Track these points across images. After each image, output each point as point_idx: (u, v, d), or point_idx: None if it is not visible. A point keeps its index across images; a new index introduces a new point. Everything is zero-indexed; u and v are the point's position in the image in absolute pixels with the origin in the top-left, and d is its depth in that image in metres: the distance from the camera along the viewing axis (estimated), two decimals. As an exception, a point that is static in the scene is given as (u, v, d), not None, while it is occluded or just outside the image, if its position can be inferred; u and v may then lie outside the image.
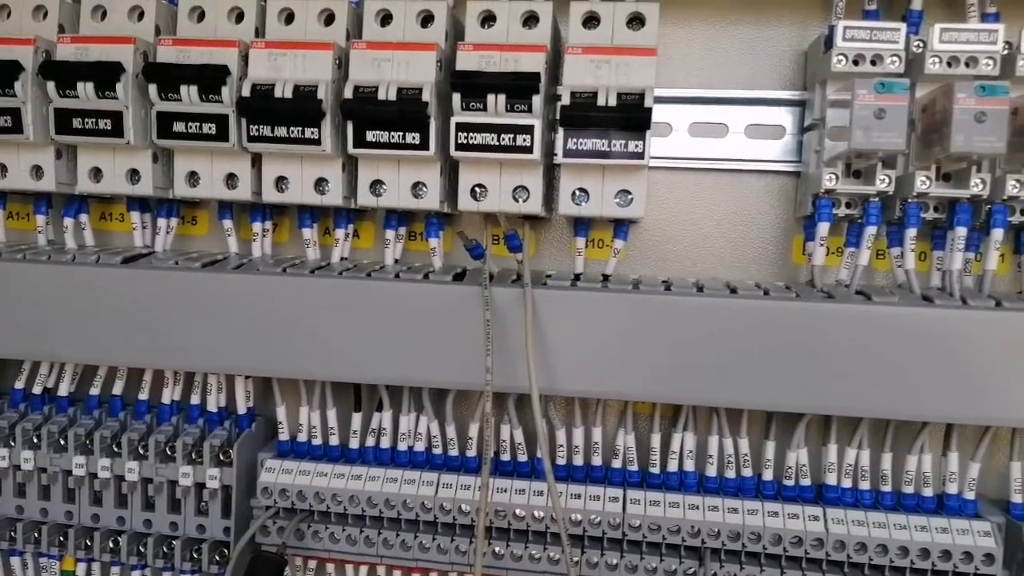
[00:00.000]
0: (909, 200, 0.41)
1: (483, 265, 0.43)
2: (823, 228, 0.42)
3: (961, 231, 0.41)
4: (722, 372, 0.40)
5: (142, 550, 0.47)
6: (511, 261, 0.47)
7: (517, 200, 0.42)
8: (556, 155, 0.40)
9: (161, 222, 0.48)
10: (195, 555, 0.47)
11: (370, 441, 0.47)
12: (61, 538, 0.48)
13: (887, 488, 0.43)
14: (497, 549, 0.44)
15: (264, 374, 0.44)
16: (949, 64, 0.39)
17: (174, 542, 0.47)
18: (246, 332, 0.43)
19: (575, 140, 0.40)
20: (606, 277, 0.45)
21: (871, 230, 0.42)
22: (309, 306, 0.43)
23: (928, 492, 0.42)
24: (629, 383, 0.41)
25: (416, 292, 0.42)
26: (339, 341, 0.43)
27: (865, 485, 0.43)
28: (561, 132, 0.40)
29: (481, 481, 0.41)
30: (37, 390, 0.49)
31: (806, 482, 0.43)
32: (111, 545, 0.48)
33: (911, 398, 0.38)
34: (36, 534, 0.48)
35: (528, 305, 0.40)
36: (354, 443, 0.47)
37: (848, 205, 0.43)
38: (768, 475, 0.44)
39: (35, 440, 0.47)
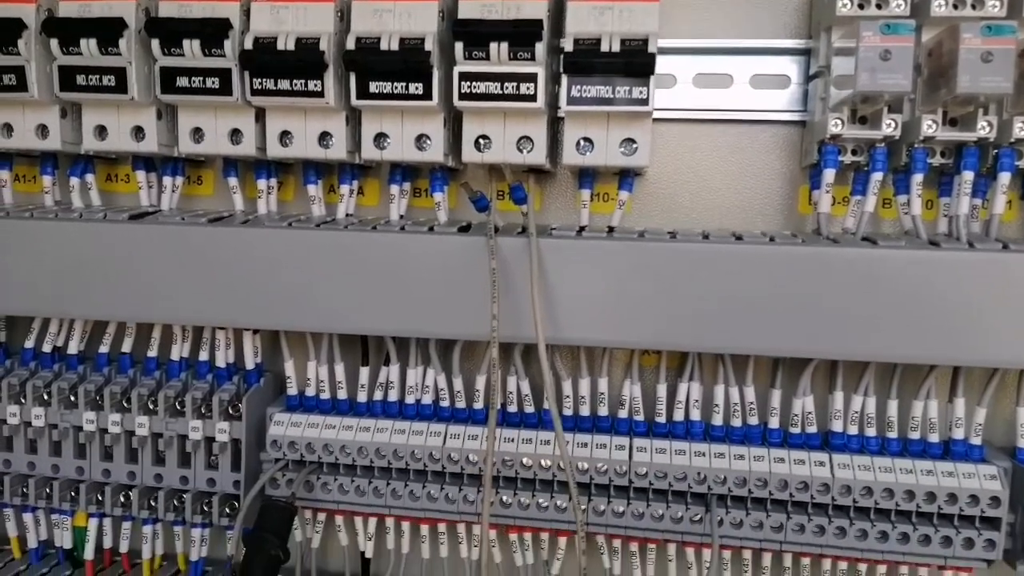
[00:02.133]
0: (915, 145, 0.41)
1: (488, 217, 0.43)
2: (829, 175, 0.42)
3: (968, 175, 0.41)
4: (728, 319, 0.40)
5: (153, 504, 0.48)
6: (516, 216, 0.47)
7: (521, 151, 0.42)
8: (560, 106, 0.40)
9: (167, 181, 0.48)
10: (205, 508, 0.47)
11: (378, 395, 0.47)
12: (72, 493, 0.49)
13: (893, 435, 0.43)
14: (504, 498, 0.44)
15: (271, 327, 0.45)
16: (955, 6, 0.39)
17: (185, 495, 0.47)
18: (253, 286, 0.43)
19: (579, 87, 0.40)
20: (611, 229, 0.45)
21: (877, 176, 0.41)
22: (315, 259, 0.43)
23: (934, 438, 0.42)
24: (635, 331, 0.41)
25: (422, 244, 0.42)
26: (346, 294, 0.43)
27: (871, 432, 0.43)
28: (565, 80, 0.40)
29: (488, 427, 0.41)
30: (47, 348, 0.49)
31: (812, 429, 0.43)
32: (122, 499, 0.48)
33: (918, 342, 0.38)
34: (48, 490, 0.49)
35: (533, 254, 0.40)
36: (362, 397, 0.47)
37: (854, 152, 0.43)
38: (774, 423, 0.44)
39: (46, 397, 0.48)
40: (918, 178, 0.41)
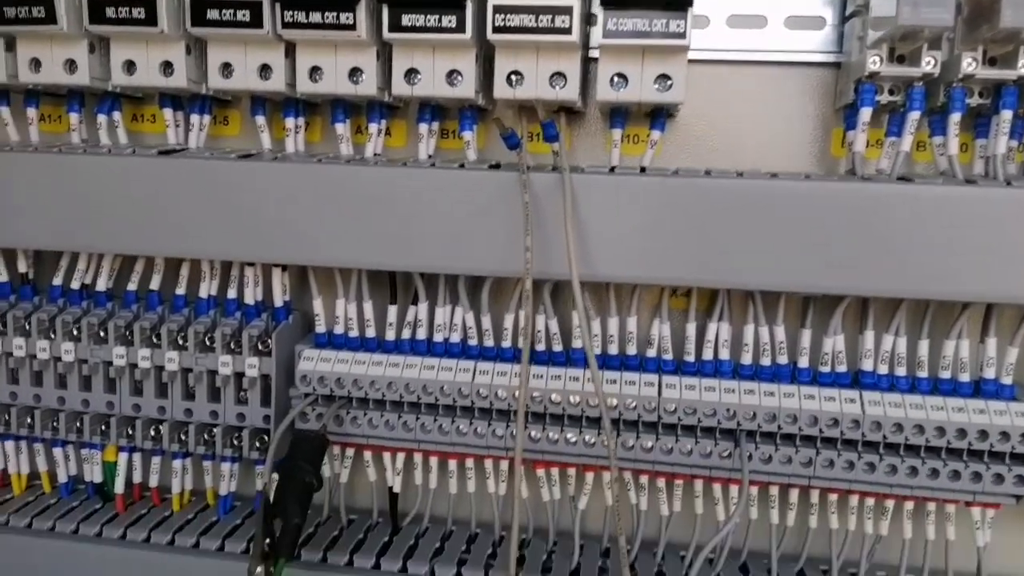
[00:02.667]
0: (954, 84, 0.41)
1: (519, 155, 0.43)
2: (865, 113, 0.41)
3: (1007, 114, 0.40)
4: (761, 256, 0.39)
5: (183, 438, 0.48)
6: (546, 159, 0.47)
7: (554, 87, 0.42)
8: (595, 41, 0.40)
9: (194, 119, 0.48)
10: (235, 442, 0.48)
11: (406, 334, 0.47)
12: (103, 427, 0.49)
13: (924, 374, 0.43)
14: (533, 433, 0.45)
15: (300, 263, 0.45)
16: (1000, -63, 0.38)
17: (215, 430, 0.48)
18: (282, 222, 0.43)
19: (615, 21, 0.39)
20: (643, 169, 0.44)
21: (914, 115, 0.41)
22: (345, 195, 0.43)
23: (965, 378, 0.42)
24: (667, 268, 0.41)
25: (452, 179, 0.42)
26: (375, 230, 0.43)
27: (901, 372, 0.43)
28: (602, 13, 0.39)
29: (523, 359, 0.41)
30: (75, 285, 0.49)
31: (842, 369, 0.43)
32: (152, 433, 0.48)
33: (952, 278, 0.38)
34: (78, 424, 0.49)
35: (567, 187, 0.40)
36: (390, 335, 0.47)
37: (891, 91, 0.42)
38: (803, 363, 0.44)
39: (75, 332, 0.48)
40: (955, 117, 0.41)
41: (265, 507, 0.41)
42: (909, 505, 0.44)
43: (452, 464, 0.48)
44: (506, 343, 0.46)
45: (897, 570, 0.46)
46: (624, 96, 0.41)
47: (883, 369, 0.43)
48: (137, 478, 0.52)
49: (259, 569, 0.39)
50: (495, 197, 0.41)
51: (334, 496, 0.51)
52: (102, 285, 0.49)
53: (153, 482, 0.52)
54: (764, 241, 0.39)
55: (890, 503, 0.44)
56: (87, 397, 0.49)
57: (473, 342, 0.46)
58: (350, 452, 0.49)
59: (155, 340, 0.47)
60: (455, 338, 0.47)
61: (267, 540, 0.40)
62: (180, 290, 0.49)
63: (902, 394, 0.42)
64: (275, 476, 0.42)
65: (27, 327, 0.48)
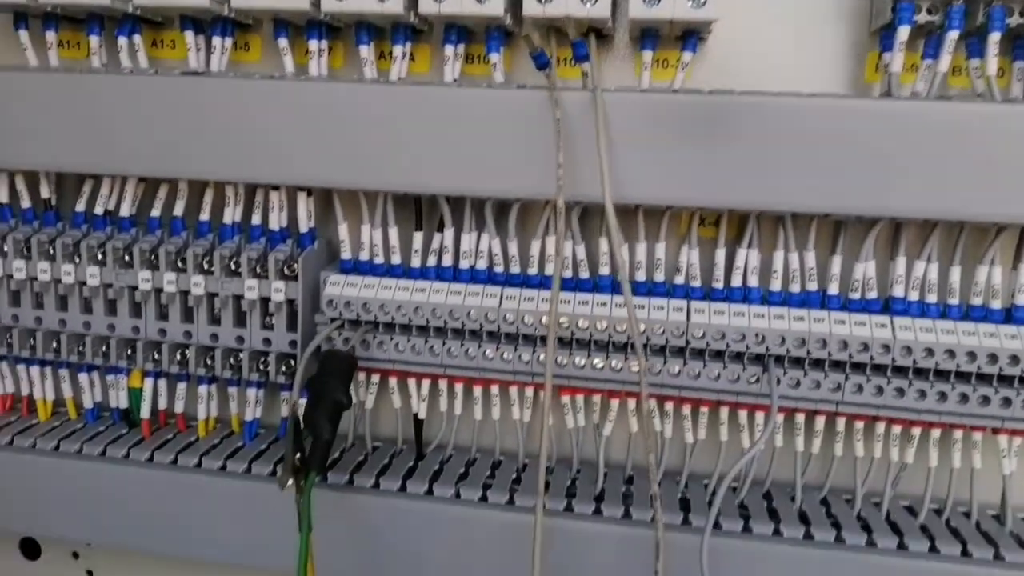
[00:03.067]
0: (994, 3, 0.40)
1: (548, 75, 0.42)
2: (903, 32, 0.40)
3: (1049, 33, 0.39)
4: (796, 177, 0.39)
5: (209, 362, 0.48)
6: (575, 85, 0.46)
7: (585, 3, 0.41)
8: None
9: (215, 42, 0.47)
10: (261, 366, 0.48)
11: (431, 261, 0.47)
12: (129, 351, 0.49)
13: (954, 301, 0.42)
14: (560, 359, 0.44)
15: (325, 184, 0.44)
16: None
17: (240, 354, 0.48)
18: (306, 143, 0.43)
19: (650, -67, 0.38)
20: (675, 92, 0.44)
21: (953, 35, 0.40)
22: (370, 115, 0.42)
23: (996, 304, 0.42)
24: (698, 190, 0.40)
25: (480, 98, 0.42)
26: (401, 151, 0.42)
27: (932, 298, 0.43)
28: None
29: (553, 277, 0.41)
30: (98, 211, 0.49)
31: (872, 295, 0.43)
32: (179, 358, 0.49)
33: (989, 200, 0.38)
34: (104, 348, 0.49)
35: (599, 106, 0.39)
36: (415, 262, 0.47)
37: (929, 11, 0.41)
38: (833, 289, 0.43)
39: (100, 257, 0.48)
40: (995, 37, 0.40)
41: (295, 423, 0.41)
42: (936, 433, 0.44)
43: (477, 391, 0.48)
44: (532, 270, 0.46)
45: (921, 500, 0.46)
46: (657, 13, 0.40)
47: (914, 296, 0.43)
48: (162, 404, 0.52)
49: (290, 482, 0.40)
50: (524, 117, 0.41)
51: (359, 424, 0.51)
52: (126, 211, 0.49)
53: (179, 408, 0.52)
54: (799, 162, 0.39)
55: (916, 431, 0.44)
56: (113, 322, 0.49)
57: (499, 269, 0.46)
58: (375, 379, 0.49)
59: (180, 264, 0.47)
60: (481, 265, 0.46)
61: (297, 455, 0.40)
62: (204, 216, 0.49)
63: (933, 320, 0.42)
64: (302, 401, 0.42)
65: (51, 251, 0.48)
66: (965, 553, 0.43)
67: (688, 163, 0.40)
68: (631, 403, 0.47)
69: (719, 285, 0.45)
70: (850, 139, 0.38)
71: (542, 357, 0.45)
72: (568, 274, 0.46)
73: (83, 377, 0.52)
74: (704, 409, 0.46)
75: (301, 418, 0.41)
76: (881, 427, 0.45)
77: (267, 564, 0.49)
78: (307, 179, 0.44)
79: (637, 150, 0.40)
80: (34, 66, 0.49)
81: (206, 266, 0.47)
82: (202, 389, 0.51)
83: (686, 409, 0.46)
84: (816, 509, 0.46)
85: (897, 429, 0.44)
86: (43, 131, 0.46)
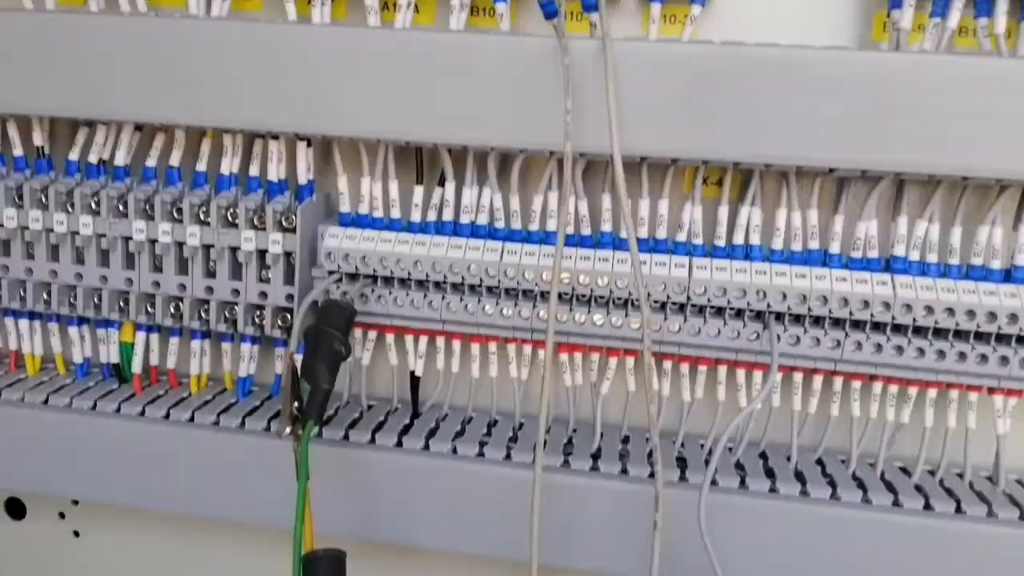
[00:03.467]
0: (1003, -39, 0.40)
1: (555, 24, 0.42)
2: (912, -12, 0.40)
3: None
4: (802, 130, 0.39)
5: (204, 316, 0.48)
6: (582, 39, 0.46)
7: (594, -48, 0.40)
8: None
9: (216, -12, 0.47)
10: (257, 320, 0.47)
11: (431, 216, 0.47)
12: (121, 304, 0.48)
13: (955, 261, 0.43)
14: (560, 315, 0.44)
15: (325, 132, 0.43)
16: None
17: (236, 308, 0.47)
18: (307, 89, 0.42)
19: None
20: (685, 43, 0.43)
21: (962, -10, 0.40)
22: (372, 62, 0.42)
23: (996, 265, 0.42)
24: (705, 142, 0.40)
25: (487, 45, 0.41)
26: (403, 100, 0.42)
27: (933, 258, 0.43)
28: None
29: (558, 222, 0.40)
30: (93, 159, 0.48)
31: (874, 254, 0.43)
32: (172, 311, 0.48)
33: (991, 155, 0.38)
34: (96, 300, 0.48)
35: (608, 54, 0.39)
36: (416, 216, 0.47)
37: (938, -31, 0.41)
38: (835, 248, 0.44)
39: (94, 206, 0.47)
40: (1005, -7, 0.40)
41: (293, 372, 0.40)
42: (932, 393, 0.44)
43: (475, 348, 0.48)
44: (534, 226, 0.46)
45: (915, 462, 0.46)
46: (666, -34, 0.40)
47: (915, 256, 0.43)
48: (154, 360, 0.51)
49: (287, 430, 0.39)
50: (531, 65, 0.40)
51: (354, 382, 0.51)
52: (120, 160, 0.48)
53: (171, 364, 0.51)
54: (807, 115, 0.39)
55: (913, 390, 0.44)
56: (105, 273, 0.48)
57: (500, 224, 0.46)
58: (372, 335, 0.49)
59: (176, 215, 0.46)
60: (482, 220, 0.46)
61: (295, 404, 0.40)
62: (201, 166, 0.48)
63: (934, 279, 0.42)
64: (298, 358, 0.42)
65: (44, 200, 0.47)
66: (959, 511, 0.43)
67: (696, 115, 0.39)
68: (629, 361, 0.47)
69: (721, 243, 0.45)
70: (858, 92, 0.38)
71: (542, 313, 0.44)
72: (570, 231, 0.45)
73: (73, 331, 0.51)
74: (703, 368, 0.46)
75: (299, 368, 0.41)
76: (878, 387, 0.45)
77: (261, 521, 0.49)
78: (306, 127, 0.43)
79: (645, 102, 0.40)
80: (29, 8, 0.48)
81: (202, 216, 0.46)
82: (195, 344, 0.50)
83: (684, 367, 0.46)
84: (812, 468, 0.46)
85: (894, 389, 0.45)
86: (37, 75, 0.45)
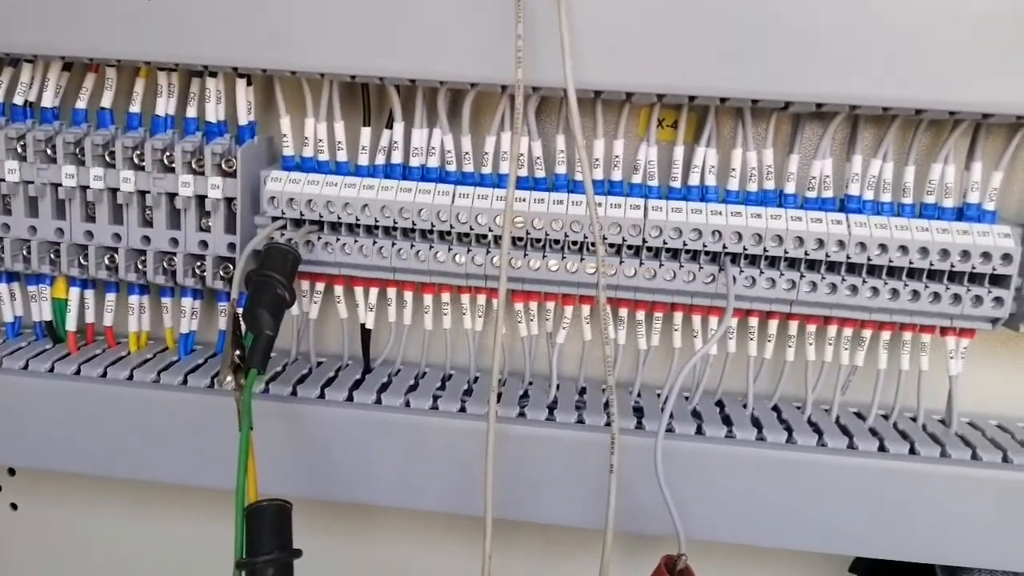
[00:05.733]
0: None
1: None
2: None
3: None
4: (757, 61, 0.38)
5: (140, 267, 0.45)
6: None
7: None
8: None
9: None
10: (197, 271, 0.45)
11: (380, 159, 0.45)
12: (53, 255, 0.46)
13: (908, 200, 0.43)
14: (514, 261, 0.43)
15: (264, 66, 0.41)
16: None
17: (174, 259, 0.45)
18: (245, 20, 0.40)
19: None
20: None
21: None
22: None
23: (949, 203, 0.42)
24: (663, 74, 0.39)
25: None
26: (347, 30, 0.40)
27: (887, 197, 0.42)
28: None
29: (511, 153, 0.39)
30: (18, 101, 0.45)
31: (828, 194, 0.43)
32: (107, 262, 0.45)
33: (945, 86, 0.38)
34: (25, 252, 0.46)
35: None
36: (363, 160, 0.45)
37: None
38: (790, 188, 0.43)
39: (19, 150, 0.44)
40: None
41: (235, 319, 0.39)
42: (886, 335, 0.44)
43: (428, 299, 0.47)
44: (487, 169, 0.44)
45: (869, 407, 0.46)
46: None
47: (869, 195, 0.43)
48: (90, 318, 0.49)
49: (229, 379, 0.37)
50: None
51: (302, 338, 0.49)
52: (48, 102, 0.45)
53: (107, 322, 0.49)
54: (763, 45, 0.38)
55: (867, 333, 0.44)
56: (34, 223, 0.45)
57: (452, 168, 0.44)
58: (320, 287, 0.47)
59: (108, 159, 0.44)
60: (433, 163, 0.44)
61: (237, 352, 0.38)
62: (135, 108, 0.45)
63: (888, 217, 0.42)
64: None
65: (-36, 145, 0.44)
66: (912, 452, 0.43)
67: (651, 46, 0.38)
68: (585, 309, 0.46)
69: (677, 185, 0.44)
70: (812, 22, 0.38)
71: (496, 260, 0.43)
72: (523, 173, 0.44)
73: (2, 287, 0.49)
74: (658, 314, 0.46)
75: (240, 315, 0.39)
76: (833, 330, 0.45)
77: (206, 482, 0.47)
78: (245, 61, 0.41)
79: (599, 32, 0.38)
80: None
81: (137, 161, 0.44)
82: (133, 299, 0.48)
83: (640, 314, 0.46)
84: (768, 415, 0.46)
85: (848, 332, 0.44)
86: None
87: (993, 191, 0.42)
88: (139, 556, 0.60)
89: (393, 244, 0.44)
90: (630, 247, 0.43)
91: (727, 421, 0.45)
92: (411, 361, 0.50)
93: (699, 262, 0.43)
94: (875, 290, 0.42)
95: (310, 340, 0.49)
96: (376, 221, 0.43)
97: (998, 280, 0.41)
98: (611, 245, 0.43)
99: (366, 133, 0.45)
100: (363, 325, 0.48)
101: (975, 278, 0.42)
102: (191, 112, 0.45)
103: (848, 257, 0.41)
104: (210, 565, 0.59)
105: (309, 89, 0.44)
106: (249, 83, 0.45)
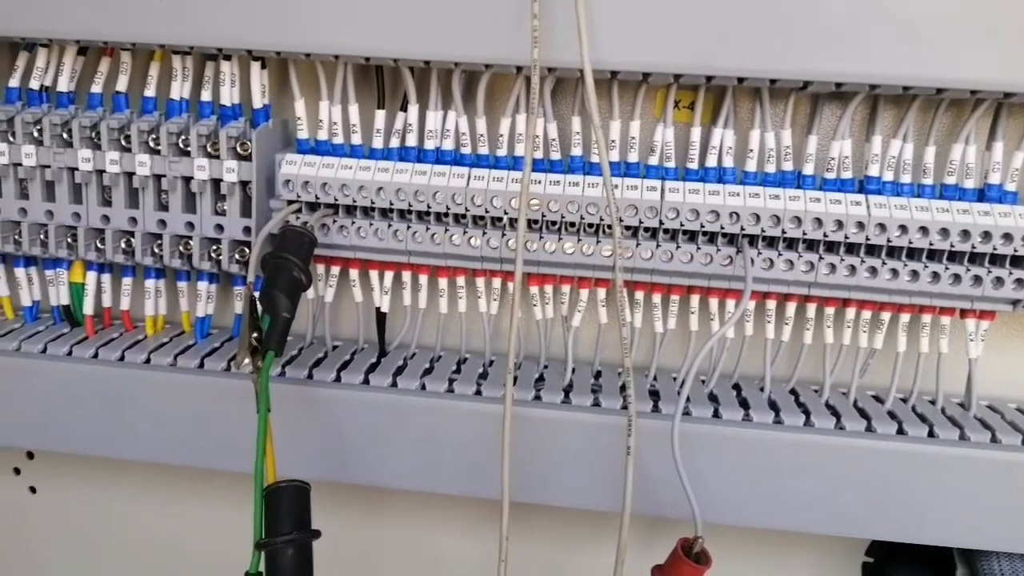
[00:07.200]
0: None
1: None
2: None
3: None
4: (777, 41, 0.38)
5: (157, 251, 0.45)
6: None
7: None
8: None
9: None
10: (213, 255, 0.45)
11: (394, 142, 0.45)
12: (70, 240, 0.46)
13: (928, 181, 0.42)
14: (529, 244, 0.43)
15: (278, 48, 0.41)
16: None
17: (190, 242, 0.45)
18: (259, 2, 0.40)
19: None
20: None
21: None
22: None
23: (970, 184, 0.42)
24: (681, 54, 0.38)
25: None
26: (361, 11, 0.39)
27: (907, 178, 0.42)
28: None
29: (526, 135, 0.38)
30: (34, 86, 0.45)
31: (847, 175, 0.42)
32: (123, 247, 0.46)
33: (966, 65, 0.37)
34: (43, 236, 0.46)
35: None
36: (378, 143, 0.45)
37: None
38: (809, 170, 0.43)
39: (36, 134, 0.44)
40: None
41: (251, 302, 0.39)
42: (905, 317, 0.44)
43: (443, 282, 0.47)
44: (501, 151, 0.44)
45: (887, 391, 0.46)
46: None
47: (888, 176, 0.42)
48: (107, 302, 0.49)
49: (246, 361, 0.38)
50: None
51: (318, 322, 0.49)
52: (64, 86, 0.45)
53: (124, 306, 0.49)
54: (783, 24, 0.37)
55: (886, 315, 0.44)
56: (51, 208, 0.46)
57: (466, 150, 0.44)
58: (335, 271, 0.47)
59: (124, 143, 0.44)
60: (447, 146, 0.44)
61: (254, 334, 0.38)
62: (150, 92, 0.45)
63: (908, 199, 0.41)
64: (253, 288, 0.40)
65: (-19, 130, 0.45)
66: (931, 435, 0.43)
67: (669, 27, 0.38)
68: (601, 292, 0.46)
69: (693, 166, 0.43)
70: (833, 1, 0.37)
71: (511, 243, 0.43)
72: (539, 155, 0.44)
73: (20, 272, 0.49)
74: (675, 297, 0.45)
75: (257, 298, 0.39)
76: (851, 313, 0.44)
77: (223, 465, 0.47)
78: (259, 43, 0.41)
79: (616, 12, 0.38)
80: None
81: (152, 144, 0.44)
82: (149, 283, 0.48)
83: (656, 297, 0.45)
84: (785, 398, 0.46)
85: (867, 314, 0.44)
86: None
87: (1015, 171, 0.41)
88: (157, 538, 0.61)
89: (408, 227, 0.44)
90: (647, 229, 0.43)
91: (744, 404, 0.45)
92: (426, 345, 0.50)
93: (716, 244, 0.42)
94: (894, 272, 0.41)
95: (326, 324, 0.49)
96: (391, 204, 0.43)
97: (1019, 261, 0.41)
98: (627, 227, 0.42)
99: (380, 116, 0.44)
100: (378, 309, 0.48)
101: (996, 259, 0.41)
102: (206, 96, 0.45)
103: (867, 239, 0.41)
104: (229, 547, 0.59)
105: (323, 72, 0.44)
106: (263, 66, 0.44)
